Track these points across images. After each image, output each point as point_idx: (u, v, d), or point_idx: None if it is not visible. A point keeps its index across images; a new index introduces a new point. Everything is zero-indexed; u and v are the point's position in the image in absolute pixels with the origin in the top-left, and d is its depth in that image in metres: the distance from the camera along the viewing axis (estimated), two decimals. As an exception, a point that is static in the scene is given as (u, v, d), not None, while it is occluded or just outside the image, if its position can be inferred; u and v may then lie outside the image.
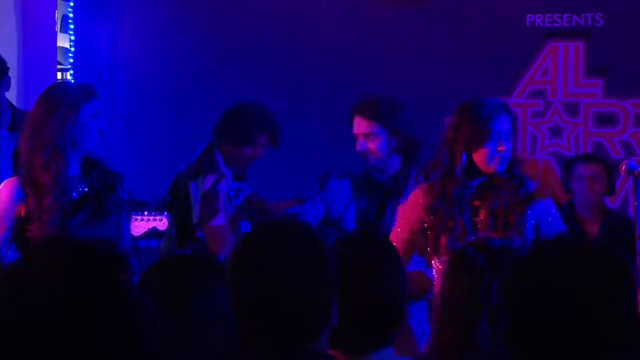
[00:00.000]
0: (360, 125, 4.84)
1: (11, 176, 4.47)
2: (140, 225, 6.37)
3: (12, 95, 5.94)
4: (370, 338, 2.67)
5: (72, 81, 7.45)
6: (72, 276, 1.54)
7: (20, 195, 4.27)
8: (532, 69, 7.30)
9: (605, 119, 7.21)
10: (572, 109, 7.26)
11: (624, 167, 4.71)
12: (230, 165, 5.48)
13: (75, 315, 1.51)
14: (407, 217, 4.32)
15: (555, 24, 7.26)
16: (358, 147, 4.83)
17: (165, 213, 6.05)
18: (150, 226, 6.41)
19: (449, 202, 4.16)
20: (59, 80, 7.38)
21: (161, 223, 6.35)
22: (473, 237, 3.96)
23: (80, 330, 1.51)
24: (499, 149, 4.17)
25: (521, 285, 1.99)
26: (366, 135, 4.81)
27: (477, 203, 4.17)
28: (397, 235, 4.31)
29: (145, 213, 6.42)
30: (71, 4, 7.64)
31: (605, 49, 7.17)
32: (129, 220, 4.51)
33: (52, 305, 1.52)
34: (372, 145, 4.80)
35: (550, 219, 4.28)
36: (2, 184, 4.40)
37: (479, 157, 4.19)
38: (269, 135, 5.51)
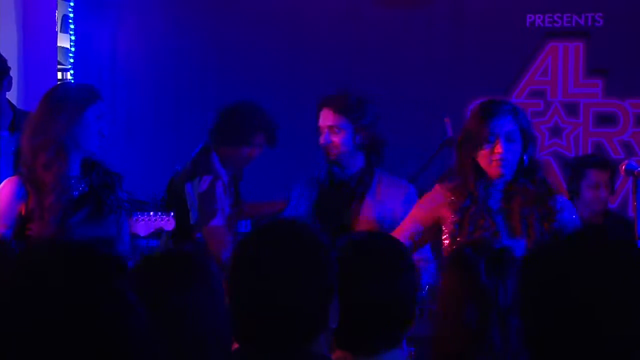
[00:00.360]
0: (326, 118, 4.74)
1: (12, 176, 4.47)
2: (146, 225, 6.34)
3: (12, 95, 5.93)
4: (378, 338, 2.65)
5: (73, 81, 7.45)
6: (68, 278, 1.54)
7: (21, 194, 4.28)
8: (532, 69, 7.30)
9: (605, 119, 7.21)
10: (572, 109, 7.25)
11: (624, 167, 4.71)
12: (227, 166, 5.48)
13: (71, 316, 1.51)
14: (424, 213, 4.25)
15: (555, 24, 7.26)
16: (321, 140, 4.74)
17: (172, 213, 6.03)
18: (157, 226, 6.39)
19: (476, 202, 4.07)
20: (63, 81, 7.38)
21: (168, 223, 6.33)
22: (474, 237, 3.94)
23: (75, 331, 1.51)
24: (495, 150, 4.05)
25: (537, 283, 1.90)
26: (330, 128, 4.71)
27: (506, 206, 4.07)
28: (405, 228, 4.25)
29: (151, 213, 6.40)
30: (71, 4, 7.64)
31: (605, 49, 7.17)
32: (128, 220, 4.51)
33: (48, 306, 1.51)
34: (335, 139, 4.70)
35: (572, 221, 4.13)
36: (3, 182, 4.41)
37: (481, 159, 4.09)
38: (266, 135, 5.51)
